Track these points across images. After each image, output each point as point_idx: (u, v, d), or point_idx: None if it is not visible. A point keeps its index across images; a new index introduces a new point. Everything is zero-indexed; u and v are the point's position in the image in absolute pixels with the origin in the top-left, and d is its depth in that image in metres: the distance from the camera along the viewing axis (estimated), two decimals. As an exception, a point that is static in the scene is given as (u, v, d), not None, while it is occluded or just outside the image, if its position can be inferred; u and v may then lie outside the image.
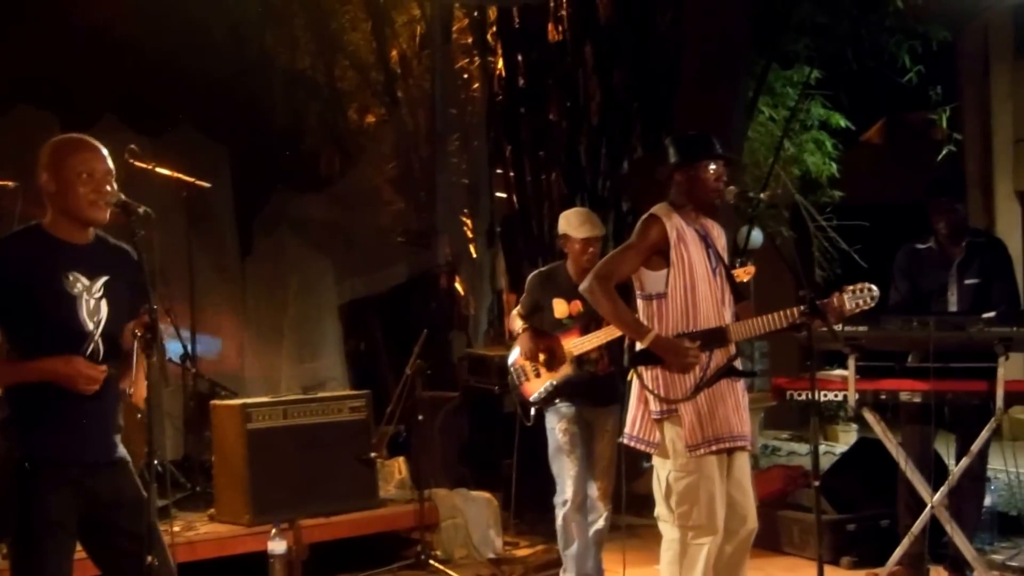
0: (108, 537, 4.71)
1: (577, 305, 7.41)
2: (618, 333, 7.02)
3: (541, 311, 7.63)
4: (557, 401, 7.49)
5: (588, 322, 7.37)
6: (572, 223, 7.54)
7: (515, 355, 7.70)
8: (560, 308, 7.54)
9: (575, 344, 7.43)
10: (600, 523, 7.51)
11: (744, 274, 6.79)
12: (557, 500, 7.54)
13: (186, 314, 9.54)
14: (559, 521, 7.55)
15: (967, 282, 7.54)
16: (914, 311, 7.15)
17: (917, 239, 7.78)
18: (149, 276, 4.56)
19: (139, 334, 4.48)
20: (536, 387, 7.54)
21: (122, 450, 4.80)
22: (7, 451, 4.59)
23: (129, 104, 10.05)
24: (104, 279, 4.68)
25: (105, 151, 4.72)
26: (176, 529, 7.64)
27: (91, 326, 4.62)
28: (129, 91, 10.32)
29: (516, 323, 7.72)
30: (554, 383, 7.48)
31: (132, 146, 8.27)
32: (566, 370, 7.46)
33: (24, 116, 9.63)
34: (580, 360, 7.44)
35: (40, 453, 4.56)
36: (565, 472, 7.49)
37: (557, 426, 7.49)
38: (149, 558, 4.46)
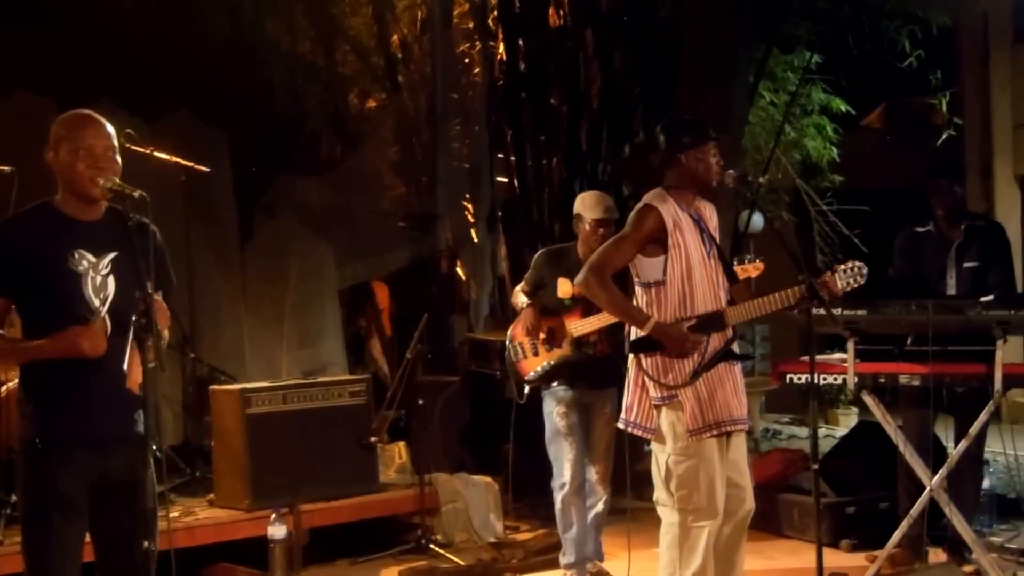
0: (114, 515, 4.70)
1: None
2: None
3: (543, 289, 7.62)
4: (554, 384, 7.50)
5: (590, 304, 7.35)
6: (586, 203, 7.53)
7: (514, 330, 7.71)
8: (564, 288, 7.50)
9: (576, 326, 7.41)
10: (600, 507, 7.53)
11: (753, 270, 6.80)
12: (555, 483, 7.56)
13: (185, 299, 9.54)
14: (557, 504, 7.56)
15: (966, 265, 7.55)
16: (913, 294, 7.15)
17: (917, 222, 7.80)
18: (143, 260, 4.55)
19: (134, 318, 4.48)
20: (533, 366, 7.54)
21: (140, 426, 4.76)
22: (23, 430, 4.63)
23: (126, 89, 10.01)
24: (112, 255, 4.67)
25: (109, 127, 4.72)
26: (175, 514, 7.67)
27: (97, 303, 4.62)
28: (127, 76, 10.29)
29: (520, 298, 7.71)
30: (551, 363, 7.48)
31: (128, 130, 8.26)
32: (564, 351, 7.45)
33: (22, 101, 9.62)
34: (579, 342, 7.44)
35: (52, 432, 4.59)
36: (563, 456, 7.50)
37: (555, 410, 7.49)
38: (145, 543, 4.47)
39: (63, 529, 4.61)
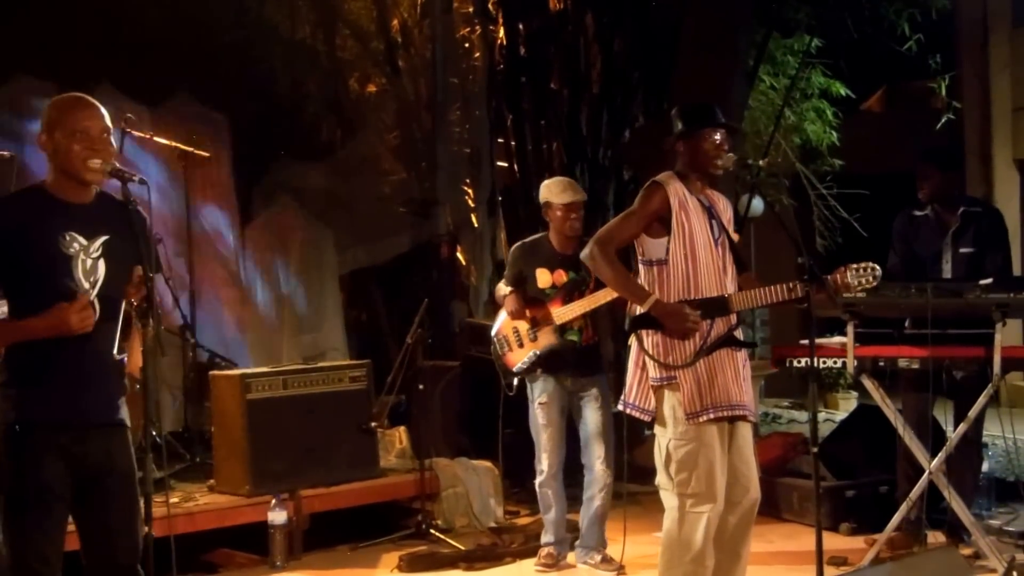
0: (93, 503, 4.69)
1: (560, 275, 7.50)
2: (600, 302, 7.18)
3: (525, 281, 7.65)
4: (539, 372, 7.53)
5: (571, 291, 7.43)
6: (553, 191, 7.59)
7: (498, 325, 7.75)
8: (543, 278, 7.57)
9: (558, 313, 7.46)
10: (602, 498, 7.50)
11: None
12: (536, 468, 7.64)
13: (185, 284, 9.54)
14: (537, 488, 7.67)
15: (962, 251, 7.55)
16: (911, 278, 7.15)
17: (915, 206, 7.79)
18: (143, 245, 4.55)
19: (135, 303, 4.48)
20: (519, 357, 7.59)
21: (123, 414, 4.76)
22: (2, 413, 4.59)
23: (127, 73, 10.01)
24: (103, 238, 4.66)
25: (103, 109, 4.71)
26: (175, 500, 7.67)
27: (87, 286, 4.60)
28: (127, 60, 10.27)
29: (502, 289, 7.75)
30: (537, 353, 7.52)
31: (129, 115, 8.24)
32: (549, 340, 7.49)
33: (22, 85, 9.61)
34: (563, 329, 7.47)
35: (33, 415, 4.56)
36: (541, 446, 7.59)
37: (536, 399, 7.56)
38: (146, 529, 4.47)
39: (45, 517, 4.59)
